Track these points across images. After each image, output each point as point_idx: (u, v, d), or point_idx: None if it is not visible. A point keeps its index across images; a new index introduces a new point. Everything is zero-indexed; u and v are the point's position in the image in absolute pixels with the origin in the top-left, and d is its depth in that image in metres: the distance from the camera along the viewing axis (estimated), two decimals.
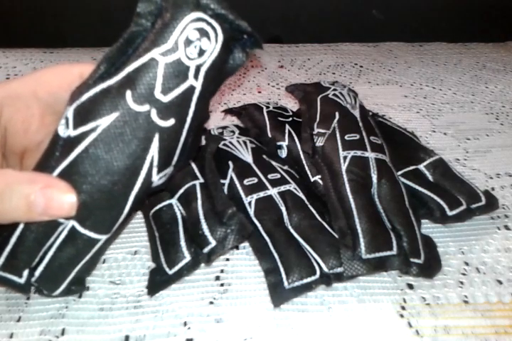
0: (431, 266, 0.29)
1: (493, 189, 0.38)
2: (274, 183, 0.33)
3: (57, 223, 0.23)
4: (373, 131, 0.36)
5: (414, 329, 0.26)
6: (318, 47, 0.65)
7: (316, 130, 0.35)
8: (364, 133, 0.34)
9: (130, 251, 0.31)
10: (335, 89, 0.39)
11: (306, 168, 0.35)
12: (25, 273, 0.24)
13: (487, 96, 0.54)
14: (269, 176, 0.33)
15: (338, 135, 0.34)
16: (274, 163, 0.35)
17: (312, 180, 0.34)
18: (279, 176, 0.33)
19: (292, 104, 0.50)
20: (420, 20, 0.67)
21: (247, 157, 0.35)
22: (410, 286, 0.29)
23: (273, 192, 0.32)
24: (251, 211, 0.31)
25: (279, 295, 0.27)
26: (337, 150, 0.33)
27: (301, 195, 0.32)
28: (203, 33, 0.22)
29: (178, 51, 0.22)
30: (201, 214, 0.29)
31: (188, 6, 0.22)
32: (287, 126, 0.38)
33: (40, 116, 0.27)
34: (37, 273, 0.24)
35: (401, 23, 0.68)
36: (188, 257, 0.28)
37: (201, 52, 0.22)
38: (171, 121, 0.23)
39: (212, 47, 0.23)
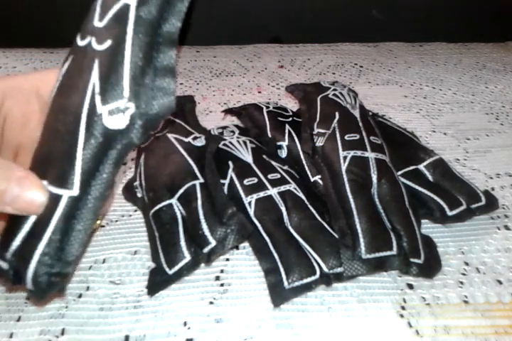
0: (431, 266, 0.29)
1: (493, 189, 0.38)
2: (274, 183, 0.33)
3: None
4: (373, 131, 0.36)
5: (414, 329, 0.26)
6: (318, 47, 0.65)
7: (316, 130, 0.35)
8: (364, 133, 0.34)
9: (130, 251, 0.31)
10: (335, 89, 0.39)
11: (306, 168, 0.35)
12: (9, 253, 0.22)
13: (487, 96, 0.54)
14: (269, 176, 0.33)
15: (338, 135, 0.34)
16: (274, 163, 0.35)
17: (312, 180, 0.34)
18: (279, 176, 0.33)
19: (292, 104, 0.50)
20: (420, 20, 0.67)
21: (247, 157, 0.35)
22: (410, 286, 0.29)
23: (273, 192, 0.32)
24: (251, 211, 0.31)
25: (279, 295, 0.27)
26: (337, 150, 0.33)
27: (301, 195, 0.32)
28: None
29: None
30: (201, 214, 0.29)
31: None
32: (287, 126, 0.38)
33: (40, 113, 0.27)
34: (11, 249, 0.22)
35: (401, 23, 0.68)
36: (188, 257, 0.28)
37: None
38: (108, 43, 0.21)
39: None
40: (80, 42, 0.22)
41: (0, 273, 0.23)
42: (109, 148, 0.22)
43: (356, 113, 0.36)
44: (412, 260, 0.29)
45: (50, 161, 0.22)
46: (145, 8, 0.21)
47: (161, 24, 0.21)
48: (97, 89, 0.21)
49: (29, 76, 0.27)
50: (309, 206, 0.32)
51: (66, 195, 0.22)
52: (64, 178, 0.21)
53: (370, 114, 0.40)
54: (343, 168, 0.32)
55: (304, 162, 0.35)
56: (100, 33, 0.21)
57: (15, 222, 0.23)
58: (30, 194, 0.21)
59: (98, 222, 0.31)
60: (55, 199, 0.22)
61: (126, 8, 0.21)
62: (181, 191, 0.31)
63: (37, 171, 0.22)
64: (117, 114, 0.21)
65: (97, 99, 0.21)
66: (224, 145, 0.36)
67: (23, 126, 0.27)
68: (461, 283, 0.29)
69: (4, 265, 0.22)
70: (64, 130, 0.22)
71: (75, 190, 0.22)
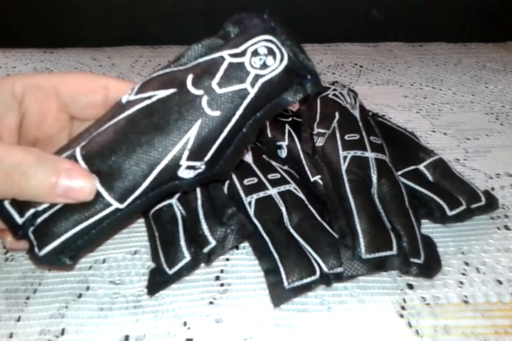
0: (431, 266, 0.29)
1: (493, 189, 0.38)
2: (274, 183, 0.33)
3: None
4: (373, 131, 0.36)
5: (414, 329, 0.26)
6: (318, 47, 0.65)
7: (316, 130, 0.35)
8: (364, 133, 0.34)
9: (130, 251, 0.31)
10: (335, 89, 0.39)
11: (306, 168, 0.35)
12: (29, 214, 0.24)
13: (487, 96, 0.54)
14: (269, 176, 0.33)
15: (338, 135, 0.34)
16: (274, 163, 0.35)
17: (312, 180, 0.34)
18: (279, 176, 0.33)
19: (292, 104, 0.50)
20: (420, 20, 0.67)
21: (247, 157, 0.35)
22: (410, 286, 0.29)
23: (273, 192, 0.32)
24: (251, 211, 0.31)
25: (279, 295, 0.27)
26: (337, 150, 0.33)
27: (301, 195, 0.32)
28: (271, 52, 0.24)
29: (244, 57, 0.24)
30: (201, 214, 0.29)
31: (267, 30, 0.25)
32: (287, 126, 0.38)
33: (56, 111, 0.28)
34: (39, 220, 0.24)
35: (401, 23, 0.68)
36: (187, 257, 0.28)
37: (264, 66, 0.24)
38: (217, 113, 0.24)
39: (275, 66, 0.24)
40: (191, 88, 0.24)
41: (11, 223, 0.24)
42: (165, 185, 0.25)
43: (356, 113, 0.36)
44: (412, 260, 0.29)
45: (116, 169, 0.24)
46: (256, 105, 0.25)
47: (258, 112, 0.25)
48: (189, 146, 0.24)
49: (49, 75, 0.28)
50: (309, 206, 0.32)
51: (114, 206, 0.24)
52: (123, 195, 0.24)
53: (370, 114, 0.40)
54: (343, 168, 0.32)
55: (304, 162, 0.35)
56: (215, 99, 0.24)
57: None
58: (80, 184, 0.23)
59: None
60: (104, 204, 0.24)
61: (244, 93, 0.24)
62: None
63: (90, 162, 0.24)
64: (190, 170, 0.25)
65: (185, 153, 0.24)
66: None
67: (40, 122, 0.28)
68: (461, 283, 0.29)
69: (19, 220, 0.24)
70: (145, 158, 0.24)
71: (122, 205, 0.24)
